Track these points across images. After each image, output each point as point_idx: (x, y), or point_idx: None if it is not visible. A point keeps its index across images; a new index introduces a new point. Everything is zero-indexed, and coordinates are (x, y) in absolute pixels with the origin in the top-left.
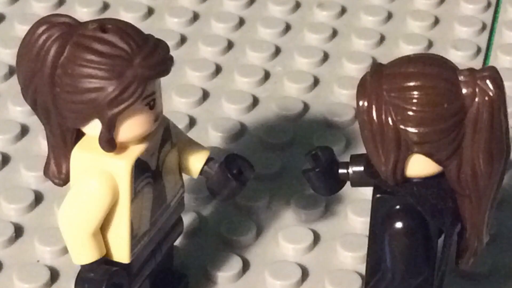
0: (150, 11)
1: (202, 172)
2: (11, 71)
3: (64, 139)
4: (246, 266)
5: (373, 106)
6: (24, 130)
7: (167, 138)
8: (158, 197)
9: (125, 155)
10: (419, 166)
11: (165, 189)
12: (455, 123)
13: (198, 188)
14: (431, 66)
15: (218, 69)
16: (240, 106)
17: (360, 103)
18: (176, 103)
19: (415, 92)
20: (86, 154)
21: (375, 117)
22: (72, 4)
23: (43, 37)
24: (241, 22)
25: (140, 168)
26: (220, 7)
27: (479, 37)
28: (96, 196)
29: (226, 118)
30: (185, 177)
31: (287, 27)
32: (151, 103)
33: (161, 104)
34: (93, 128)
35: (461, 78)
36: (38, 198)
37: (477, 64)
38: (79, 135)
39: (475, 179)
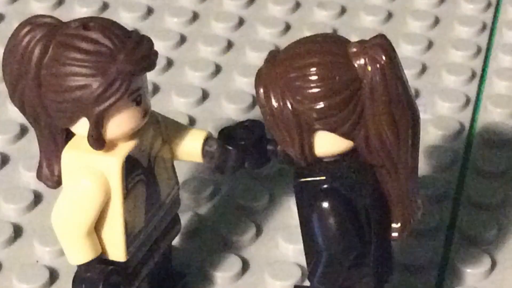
0: (150, 11)
1: (203, 153)
2: None
3: (54, 140)
4: (245, 266)
5: (270, 92)
6: (24, 130)
7: (157, 134)
8: (152, 194)
9: (115, 153)
10: (327, 143)
11: (158, 186)
12: (351, 94)
13: (198, 188)
14: (319, 43)
15: (218, 69)
16: (240, 106)
17: (258, 91)
18: (175, 103)
19: (306, 70)
20: (76, 153)
21: (273, 102)
22: (72, 4)
23: (27, 38)
24: (241, 22)
25: (131, 165)
26: (220, 7)
27: (479, 37)
28: (88, 195)
29: (226, 118)
30: (185, 176)
31: (287, 27)
32: (138, 98)
33: (149, 100)
34: (81, 127)
35: (351, 50)
36: (37, 198)
37: (477, 64)
38: (69, 135)
39: (384, 148)
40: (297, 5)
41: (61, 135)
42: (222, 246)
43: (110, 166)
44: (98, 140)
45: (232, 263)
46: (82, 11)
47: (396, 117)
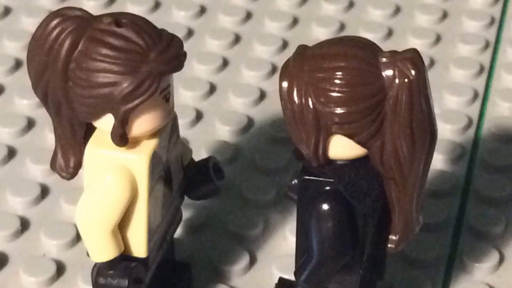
0: (157, 4)
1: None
2: (17, 64)
3: (73, 133)
4: (253, 260)
5: (294, 87)
6: (31, 124)
7: (174, 130)
8: (168, 189)
9: (142, 150)
10: (342, 147)
11: (172, 180)
12: (375, 104)
13: None
14: (351, 48)
15: (225, 63)
16: (247, 99)
17: (282, 84)
18: (183, 96)
19: (334, 73)
20: (101, 150)
21: (295, 98)
22: None
23: (57, 30)
24: (248, 15)
25: (155, 161)
26: (227, 0)
27: (487, 31)
28: (114, 192)
29: (233, 111)
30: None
31: (295, 21)
32: (167, 96)
33: (173, 97)
34: (105, 123)
35: (382, 59)
36: (44, 191)
37: (486, 58)
38: (89, 129)
39: (398, 162)
40: None
41: (81, 129)
42: (229, 240)
43: (137, 163)
44: (121, 137)
45: (239, 257)
46: (90, 5)
47: (415, 133)
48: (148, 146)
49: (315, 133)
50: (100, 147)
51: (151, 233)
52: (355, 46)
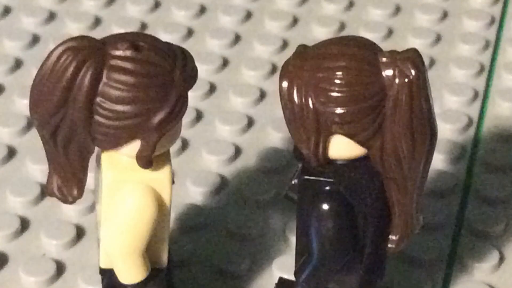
0: (157, 4)
1: None
2: (17, 64)
3: (82, 163)
4: (253, 260)
5: (294, 87)
6: (31, 123)
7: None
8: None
9: (160, 166)
10: (342, 147)
11: None
12: (375, 104)
13: (204, 182)
14: (351, 47)
15: (225, 62)
16: (247, 99)
17: (282, 84)
18: None
19: (334, 73)
20: (123, 174)
21: (295, 98)
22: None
23: (73, 65)
24: (248, 15)
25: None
26: (227, 0)
27: (488, 31)
28: (145, 214)
29: (233, 111)
30: (193, 171)
31: (295, 20)
32: None
33: None
34: (130, 148)
35: (382, 59)
36: (44, 191)
37: (486, 58)
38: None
39: (398, 161)
40: None
41: (90, 156)
42: (229, 240)
43: (161, 180)
44: (149, 160)
45: (240, 257)
46: (89, 5)
47: (415, 133)
48: (166, 161)
49: (315, 133)
50: (121, 172)
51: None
52: (355, 46)
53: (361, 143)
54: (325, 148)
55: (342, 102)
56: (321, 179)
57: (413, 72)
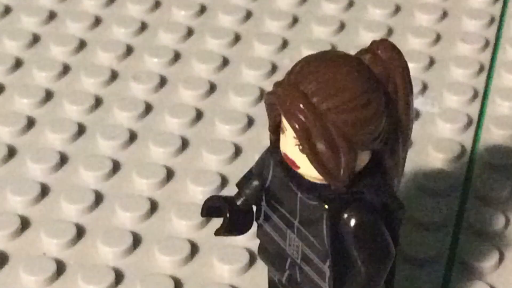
0: (157, 4)
1: None
2: (17, 63)
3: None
4: (253, 260)
5: (313, 135)
6: (31, 123)
7: None
8: None
9: None
10: (363, 158)
11: None
12: (382, 109)
13: (204, 181)
14: (348, 75)
15: (225, 62)
16: (247, 98)
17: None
18: (183, 95)
19: (346, 104)
20: None
21: (320, 145)
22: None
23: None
24: (248, 14)
25: None
26: (227, 0)
27: (487, 30)
28: None
29: (234, 110)
30: (191, 171)
31: (295, 20)
32: None
33: None
34: None
35: (365, 58)
36: (45, 190)
37: (486, 57)
38: None
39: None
40: None
41: None
42: (230, 239)
43: None
44: None
45: (239, 256)
46: (90, 4)
47: (410, 102)
48: None
49: (348, 154)
50: None
51: None
52: (348, 72)
53: (374, 150)
54: (353, 168)
55: (364, 122)
56: (342, 200)
57: (393, 53)
